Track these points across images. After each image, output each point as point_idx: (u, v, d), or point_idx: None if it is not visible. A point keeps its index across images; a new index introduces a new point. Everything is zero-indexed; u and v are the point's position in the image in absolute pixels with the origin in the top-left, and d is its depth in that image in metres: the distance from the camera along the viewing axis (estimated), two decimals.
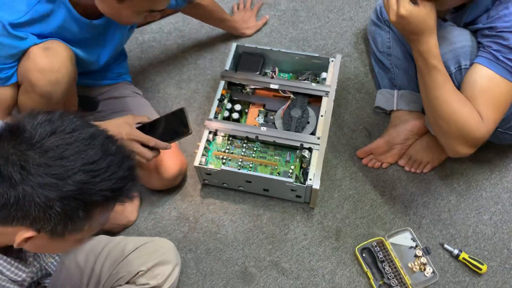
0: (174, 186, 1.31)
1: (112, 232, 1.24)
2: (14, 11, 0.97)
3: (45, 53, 0.98)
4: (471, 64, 1.04)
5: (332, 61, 1.36)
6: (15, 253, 0.77)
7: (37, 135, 0.65)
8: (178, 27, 1.65)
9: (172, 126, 1.14)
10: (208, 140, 1.27)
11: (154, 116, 1.30)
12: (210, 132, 1.27)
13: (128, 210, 1.27)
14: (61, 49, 1.00)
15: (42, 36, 1.00)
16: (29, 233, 0.67)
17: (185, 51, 1.60)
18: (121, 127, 1.08)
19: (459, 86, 1.04)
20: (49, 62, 0.97)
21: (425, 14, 0.94)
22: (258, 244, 1.25)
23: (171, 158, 1.24)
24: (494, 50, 1.00)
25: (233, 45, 1.40)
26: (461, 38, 1.05)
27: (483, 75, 1.00)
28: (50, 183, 0.64)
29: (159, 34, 1.64)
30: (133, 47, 1.60)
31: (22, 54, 0.99)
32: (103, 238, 1.08)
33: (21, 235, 0.67)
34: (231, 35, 1.61)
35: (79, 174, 0.64)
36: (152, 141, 1.09)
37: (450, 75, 1.03)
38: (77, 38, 1.07)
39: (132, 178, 0.71)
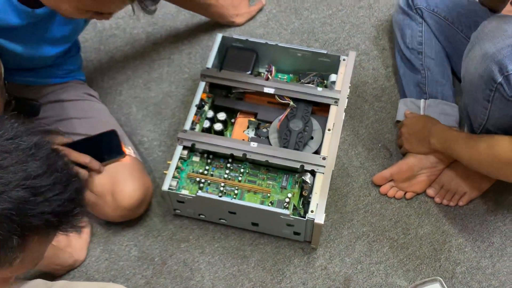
0: (135, 217, 1.30)
1: (53, 275, 1.23)
2: None
3: None
4: None
5: (344, 60, 1.36)
6: None
7: None
8: None
9: (103, 147, 1.25)
10: (181, 158, 1.26)
11: (112, 125, 1.30)
12: (184, 148, 1.27)
13: (75, 246, 1.26)
14: None
15: None
16: None
17: (157, 42, 1.61)
18: None
19: None
20: None
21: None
22: None
23: (131, 181, 1.23)
24: None
25: (218, 37, 1.41)
26: None
27: None
28: None
29: (123, 19, 1.64)
30: (89, 36, 1.60)
31: None
32: (40, 282, 1.06)
33: None
34: (216, 23, 1.62)
35: (18, 189, 0.65)
36: (85, 158, 1.19)
37: (507, 76, 1.03)
38: (15, 29, 1.07)
39: (80, 203, 0.73)
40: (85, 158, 1.20)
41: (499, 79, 1.04)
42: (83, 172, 1.19)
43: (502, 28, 1.07)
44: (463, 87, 1.20)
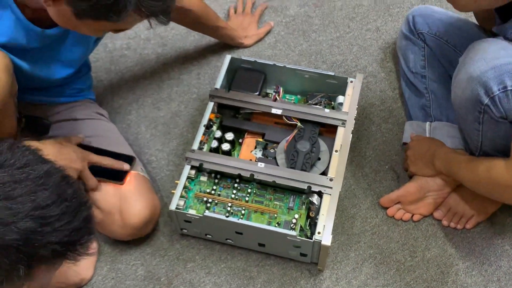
0: (142, 236, 1.29)
1: None
2: None
3: None
4: None
5: (352, 81, 1.36)
6: None
7: None
8: (158, 32, 1.66)
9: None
10: (189, 178, 1.25)
11: (121, 144, 1.30)
12: (192, 168, 1.26)
13: (82, 265, 1.24)
14: None
15: None
16: None
17: (166, 63, 1.61)
18: (69, 147, 1.15)
19: (504, 113, 1.05)
20: None
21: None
22: None
23: (139, 200, 1.22)
24: None
25: (227, 58, 1.41)
26: (505, 52, 1.06)
27: None
28: None
29: (134, 40, 1.65)
30: (100, 56, 1.61)
31: None
32: None
33: None
34: (226, 45, 1.62)
35: (27, 220, 0.65)
36: (107, 160, 1.22)
37: (493, 97, 1.04)
38: (25, 49, 1.08)
39: (88, 232, 0.73)
40: (105, 161, 1.23)
41: (486, 100, 1.05)
42: (92, 182, 1.20)
43: (486, 51, 1.07)
44: (455, 111, 1.20)
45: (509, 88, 1.03)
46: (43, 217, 0.66)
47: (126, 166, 1.24)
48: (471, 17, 1.49)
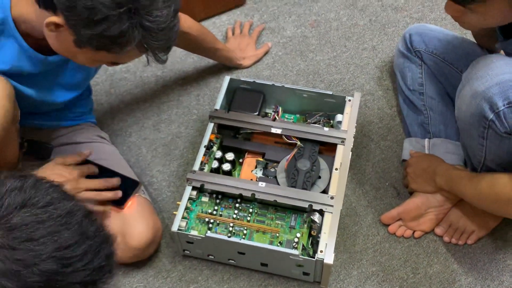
0: (145, 258, 1.28)
1: None
2: None
3: None
4: None
5: (350, 100, 1.36)
6: None
7: (4, 208, 0.66)
8: None
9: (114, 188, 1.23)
10: (191, 199, 1.25)
11: (123, 167, 1.29)
12: (193, 188, 1.25)
13: None
14: None
15: None
16: None
17: (166, 85, 1.61)
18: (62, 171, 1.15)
19: (509, 128, 1.04)
20: None
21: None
22: None
23: (141, 222, 1.21)
24: None
25: (226, 79, 1.41)
26: (510, 68, 1.06)
27: None
28: (11, 270, 0.64)
29: (133, 63, 1.65)
30: (100, 79, 1.61)
31: None
32: None
33: None
34: (224, 66, 1.63)
35: (49, 261, 0.65)
36: (103, 182, 1.21)
37: (498, 112, 1.04)
38: (28, 75, 1.08)
39: (109, 268, 0.73)
40: (103, 183, 1.21)
41: (491, 116, 1.05)
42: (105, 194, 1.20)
43: (490, 66, 1.07)
44: (459, 127, 1.20)
45: None
46: (65, 257, 0.66)
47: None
48: (465, 34, 1.50)
